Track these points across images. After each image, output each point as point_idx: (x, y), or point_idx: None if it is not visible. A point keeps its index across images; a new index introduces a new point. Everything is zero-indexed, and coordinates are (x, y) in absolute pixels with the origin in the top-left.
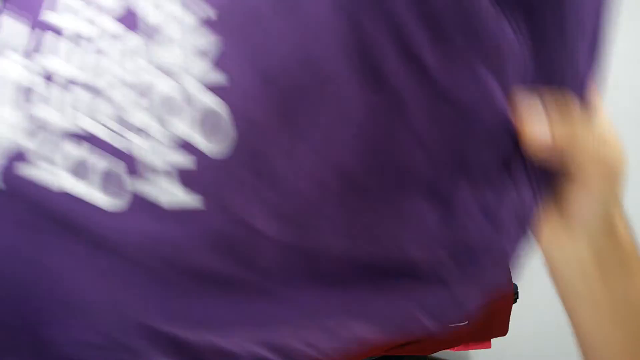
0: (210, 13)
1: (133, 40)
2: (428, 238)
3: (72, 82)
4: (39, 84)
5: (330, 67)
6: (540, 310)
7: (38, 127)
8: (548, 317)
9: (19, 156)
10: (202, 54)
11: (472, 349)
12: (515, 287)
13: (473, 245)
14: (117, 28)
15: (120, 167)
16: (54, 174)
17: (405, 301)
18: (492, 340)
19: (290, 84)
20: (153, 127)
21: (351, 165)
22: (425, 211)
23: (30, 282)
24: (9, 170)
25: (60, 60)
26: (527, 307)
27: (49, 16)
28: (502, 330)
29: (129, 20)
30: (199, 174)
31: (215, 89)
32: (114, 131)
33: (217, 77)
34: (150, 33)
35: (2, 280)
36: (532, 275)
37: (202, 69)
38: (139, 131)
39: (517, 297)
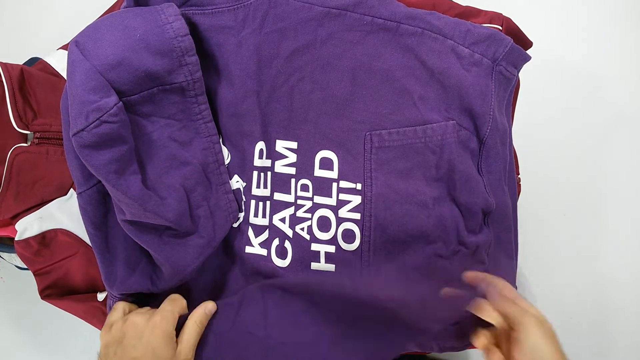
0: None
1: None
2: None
3: (287, 205)
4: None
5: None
6: (540, 310)
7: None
8: (547, 317)
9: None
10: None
11: (471, 349)
12: (515, 288)
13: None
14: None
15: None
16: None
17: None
18: None
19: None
20: (320, 234)
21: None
22: None
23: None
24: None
25: (283, 194)
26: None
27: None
28: None
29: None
30: (335, 255)
31: (354, 220)
32: (299, 233)
33: (356, 217)
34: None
35: None
36: (531, 275)
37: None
38: (314, 237)
39: None
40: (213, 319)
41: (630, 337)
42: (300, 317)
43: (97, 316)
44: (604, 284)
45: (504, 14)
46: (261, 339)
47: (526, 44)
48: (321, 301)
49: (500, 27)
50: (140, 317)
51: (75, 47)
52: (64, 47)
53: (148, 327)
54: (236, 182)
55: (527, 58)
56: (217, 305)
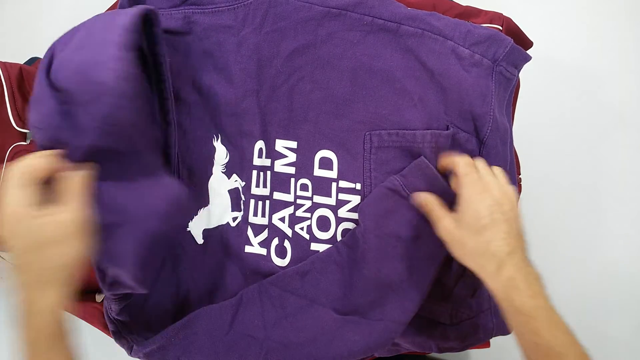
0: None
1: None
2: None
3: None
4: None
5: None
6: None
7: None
8: None
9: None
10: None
11: (471, 349)
12: None
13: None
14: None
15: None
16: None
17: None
18: (491, 340)
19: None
20: (320, 233)
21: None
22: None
23: None
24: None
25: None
26: None
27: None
28: (503, 329)
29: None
30: None
31: (353, 220)
32: (299, 233)
33: (354, 217)
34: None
35: None
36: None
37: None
38: (314, 236)
39: None
40: (210, 322)
41: (630, 337)
42: (298, 316)
43: (97, 316)
44: (604, 284)
45: (504, 14)
46: (261, 341)
47: (526, 44)
48: (317, 295)
49: (501, 27)
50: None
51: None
52: None
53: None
54: (234, 181)
55: (528, 58)
56: (213, 309)
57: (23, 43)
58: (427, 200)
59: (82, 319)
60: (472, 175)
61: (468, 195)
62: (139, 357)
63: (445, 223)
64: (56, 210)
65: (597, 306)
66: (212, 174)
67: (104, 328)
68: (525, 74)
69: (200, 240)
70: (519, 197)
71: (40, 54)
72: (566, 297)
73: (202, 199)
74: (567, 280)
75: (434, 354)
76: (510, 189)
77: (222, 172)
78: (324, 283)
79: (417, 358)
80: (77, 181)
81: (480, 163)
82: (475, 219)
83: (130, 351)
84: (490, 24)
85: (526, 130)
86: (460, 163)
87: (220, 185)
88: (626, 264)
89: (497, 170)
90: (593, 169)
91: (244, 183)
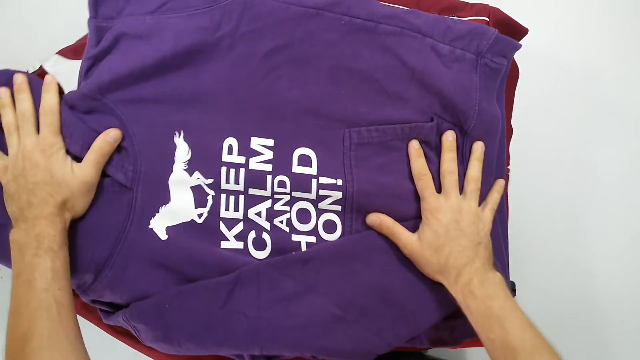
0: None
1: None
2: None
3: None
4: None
5: None
6: (538, 308)
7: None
8: (546, 315)
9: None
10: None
11: (468, 347)
12: (513, 284)
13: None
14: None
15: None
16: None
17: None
18: None
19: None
20: (300, 225)
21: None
22: None
23: None
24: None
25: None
26: (525, 305)
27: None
28: None
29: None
30: (317, 245)
31: (335, 212)
32: (278, 226)
33: (336, 209)
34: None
35: None
36: (529, 273)
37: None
38: (294, 228)
39: (515, 295)
40: (206, 295)
41: (630, 336)
42: (292, 301)
43: (93, 311)
44: (602, 284)
45: (489, 5)
46: (251, 319)
47: (520, 31)
48: (316, 284)
49: (488, 19)
50: (32, 150)
51: None
52: (60, 52)
53: (41, 155)
54: (196, 179)
55: (517, 47)
56: (211, 283)
57: (24, 44)
58: (382, 221)
59: (79, 314)
60: (429, 197)
61: (425, 216)
62: (133, 319)
63: (407, 242)
64: (79, 168)
65: (595, 306)
66: (172, 171)
67: (100, 322)
68: (526, 73)
69: (163, 236)
70: (505, 188)
71: (41, 54)
72: (564, 296)
73: (162, 197)
74: (564, 280)
75: (431, 353)
76: (468, 205)
77: (184, 169)
78: (325, 273)
79: (415, 355)
80: (100, 144)
81: (448, 180)
82: (434, 238)
83: (123, 314)
84: (476, 16)
85: (525, 129)
86: (420, 185)
87: (181, 182)
88: (625, 264)
89: (471, 183)
90: (592, 169)
91: (211, 180)
